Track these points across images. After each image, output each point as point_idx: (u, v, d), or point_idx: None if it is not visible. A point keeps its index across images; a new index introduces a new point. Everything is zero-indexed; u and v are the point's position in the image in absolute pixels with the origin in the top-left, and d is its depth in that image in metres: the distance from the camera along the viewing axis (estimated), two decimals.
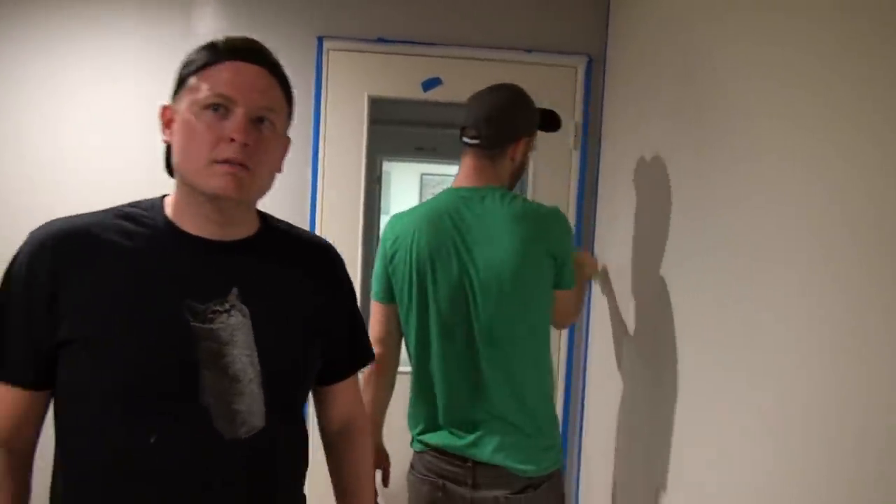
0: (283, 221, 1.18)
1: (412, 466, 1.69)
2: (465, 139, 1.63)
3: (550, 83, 2.38)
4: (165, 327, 0.97)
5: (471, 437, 1.57)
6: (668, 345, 1.60)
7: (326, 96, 2.34)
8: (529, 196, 2.41)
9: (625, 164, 2.07)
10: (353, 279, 1.26)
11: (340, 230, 2.35)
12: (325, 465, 1.28)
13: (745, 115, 1.30)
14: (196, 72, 1.00)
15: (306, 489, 1.18)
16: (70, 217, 1.02)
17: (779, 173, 1.17)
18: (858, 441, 0.94)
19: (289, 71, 1.09)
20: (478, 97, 1.65)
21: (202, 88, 0.98)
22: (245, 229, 1.08)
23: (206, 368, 0.98)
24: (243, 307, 1.02)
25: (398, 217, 1.67)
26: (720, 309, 1.35)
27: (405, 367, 1.67)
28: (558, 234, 1.60)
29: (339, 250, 1.24)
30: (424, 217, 1.60)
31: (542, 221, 1.57)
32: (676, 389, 1.55)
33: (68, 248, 0.98)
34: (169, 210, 1.05)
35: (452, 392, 1.59)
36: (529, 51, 2.37)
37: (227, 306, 1.01)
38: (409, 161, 5.65)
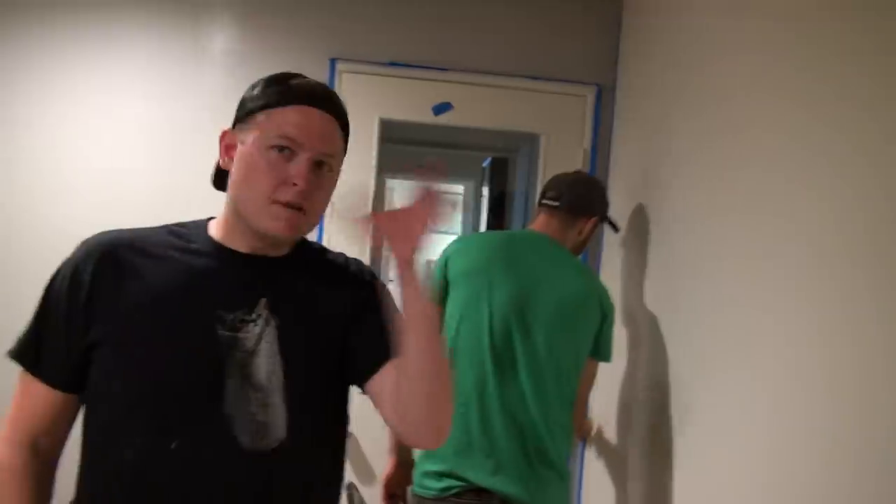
0: (316, 242, 1.20)
1: None
2: (546, 201, 1.77)
3: (560, 111, 2.41)
4: (191, 333, 0.99)
5: (495, 464, 1.56)
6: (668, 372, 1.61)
7: None
8: None
9: (633, 192, 2.08)
10: None
11: (349, 248, 2.35)
12: None
13: (756, 142, 1.32)
14: (266, 108, 1.02)
15: None
16: (121, 229, 1.07)
17: (790, 198, 1.18)
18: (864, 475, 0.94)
19: None
20: (563, 174, 1.85)
21: (271, 127, 1.01)
22: (283, 248, 1.10)
23: (231, 377, 0.99)
24: (271, 318, 1.03)
25: (465, 237, 1.83)
26: (734, 337, 1.36)
27: None
28: (610, 303, 1.73)
29: None
30: (496, 238, 1.75)
31: (600, 285, 1.75)
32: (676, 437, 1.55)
33: (112, 256, 1.02)
34: (213, 229, 1.09)
35: (489, 415, 1.58)
36: (540, 78, 2.39)
37: (254, 316, 1.02)
38: (413, 179, 5.67)
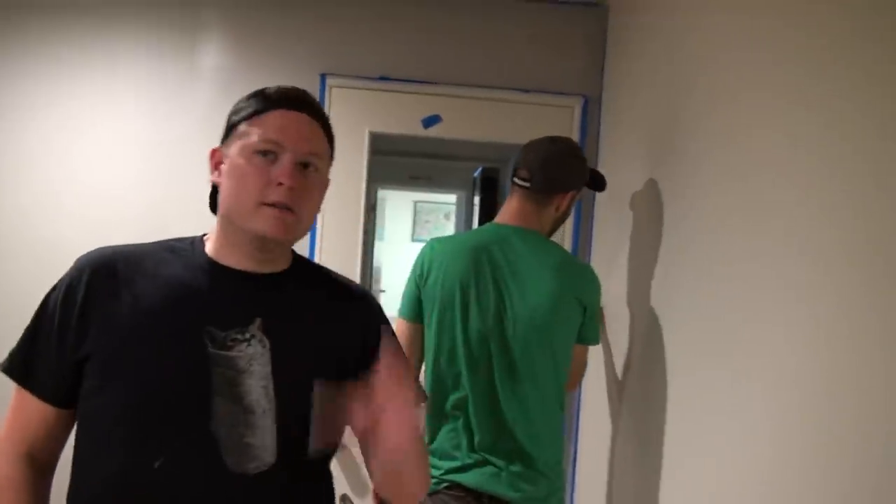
0: (313, 261, 1.21)
1: None
2: (517, 180, 1.68)
3: (547, 122, 2.44)
4: (182, 350, 0.99)
5: (490, 472, 1.59)
6: (660, 379, 1.64)
7: None
8: None
9: (619, 203, 2.12)
10: None
11: (340, 259, 2.39)
12: None
13: (741, 150, 1.36)
14: (247, 118, 1.05)
15: None
16: (118, 245, 1.08)
17: (769, 214, 1.21)
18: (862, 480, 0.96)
19: None
20: (535, 144, 1.70)
21: (253, 134, 1.03)
22: (277, 264, 1.10)
23: (220, 395, 0.98)
24: (264, 338, 1.02)
25: (438, 241, 1.70)
26: (716, 347, 1.39)
27: None
28: (592, 288, 1.68)
29: None
30: (466, 246, 1.64)
31: (578, 273, 1.66)
32: (667, 431, 1.58)
33: (107, 272, 1.02)
34: (208, 245, 1.09)
35: (478, 425, 1.60)
36: (527, 91, 2.43)
37: (247, 335, 1.01)
38: (404, 189, 5.71)
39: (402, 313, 1.71)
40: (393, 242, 7.06)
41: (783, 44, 1.23)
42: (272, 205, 1.00)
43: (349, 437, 1.13)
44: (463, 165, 4.21)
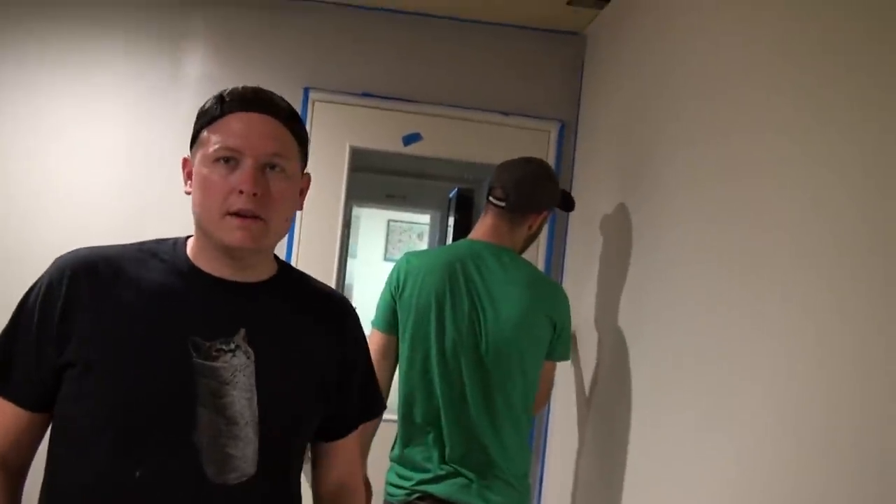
0: (297, 269, 1.19)
1: None
2: (492, 199, 1.74)
3: (524, 145, 2.49)
4: (165, 359, 0.97)
5: (461, 483, 1.61)
6: (627, 400, 1.68)
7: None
8: None
9: (592, 225, 2.17)
10: None
11: (315, 275, 2.38)
12: None
13: (709, 182, 1.41)
14: (207, 125, 1.01)
15: None
16: (95, 247, 1.04)
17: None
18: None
19: None
20: (510, 164, 1.76)
21: (212, 141, 0.99)
22: (261, 272, 1.08)
23: (203, 406, 0.97)
24: (249, 349, 1.01)
25: (414, 255, 1.74)
26: (698, 370, 1.43)
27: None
28: (563, 306, 1.73)
29: None
30: (441, 260, 1.68)
31: (548, 290, 1.72)
32: (630, 445, 1.62)
33: (86, 275, 0.99)
34: (190, 250, 1.06)
35: (449, 437, 1.63)
36: (506, 113, 2.50)
37: (232, 346, 1.00)
38: (379, 207, 5.72)
39: (376, 324, 1.73)
40: (365, 261, 7.03)
41: (758, 75, 1.29)
42: (236, 214, 0.97)
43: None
44: (438, 185, 4.25)
